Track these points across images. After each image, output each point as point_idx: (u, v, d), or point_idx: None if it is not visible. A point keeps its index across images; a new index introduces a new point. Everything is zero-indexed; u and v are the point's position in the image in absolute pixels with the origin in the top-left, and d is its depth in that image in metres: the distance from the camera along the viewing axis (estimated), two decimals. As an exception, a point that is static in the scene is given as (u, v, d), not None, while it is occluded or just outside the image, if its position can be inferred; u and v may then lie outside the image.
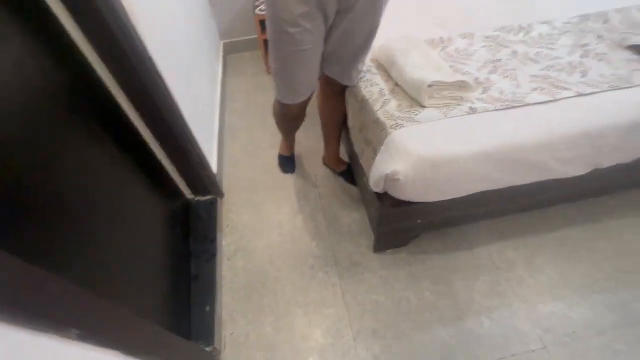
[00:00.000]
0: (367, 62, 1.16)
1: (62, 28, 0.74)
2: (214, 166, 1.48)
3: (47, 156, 0.63)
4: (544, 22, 1.33)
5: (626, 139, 0.96)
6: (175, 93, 1.06)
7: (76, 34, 0.77)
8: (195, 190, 1.38)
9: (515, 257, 1.24)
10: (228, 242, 1.37)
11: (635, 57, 1.13)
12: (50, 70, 0.70)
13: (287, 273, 1.26)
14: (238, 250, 1.34)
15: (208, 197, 1.41)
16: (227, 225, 1.42)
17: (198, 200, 1.40)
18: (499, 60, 1.16)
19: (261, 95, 2.01)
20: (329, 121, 1.33)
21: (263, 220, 1.43)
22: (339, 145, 1.47)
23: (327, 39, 0.94)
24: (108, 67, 0.85)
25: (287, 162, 1.56)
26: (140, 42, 0.87)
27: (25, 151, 0.58)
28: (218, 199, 1.44)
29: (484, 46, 1.24)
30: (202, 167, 1.31)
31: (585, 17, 1.34)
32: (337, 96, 1.21)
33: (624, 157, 1.04)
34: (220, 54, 2.22)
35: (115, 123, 0.93)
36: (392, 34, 1.25)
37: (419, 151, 0.85)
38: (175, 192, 1.31)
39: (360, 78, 1.11)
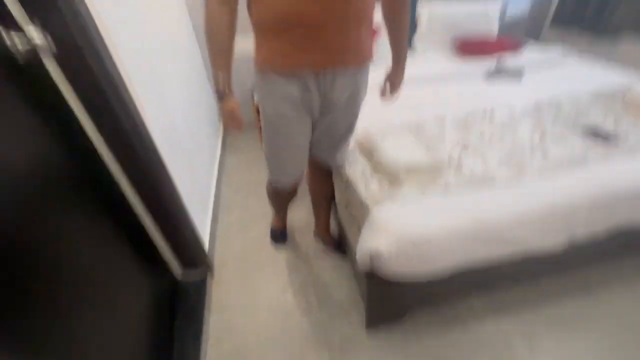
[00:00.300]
0: (352, 145, 1.28)
1: (74, 116, 0.84)
2: (206, 240, 1.51)
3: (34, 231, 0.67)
4: (505, 108, 1.51)
5: (593, 214, 1.03)
6: (173, 170, 1.15)
7: (86, 121, 0.87)
8: (185, 265, 1.39)
9: (513, 334, 1.20)
10: (215, 321, 1.32)
11: (588, 138, 1.27)
12: (59, 151, 0.78)
13: (276, 355, 1.20)
14: (225, 330, 1.29)
15: (197, 273, 1.41)
16: (216, 304, 1.38)
17: (187, 278, 1.39)
18: (469, 141, 1.30)
19: (256, 172, 2.13)
20: (318, 197, 1.41)
21: (253, 296, 1.40)
22: (329, 220, 1.53)
23: (313, 129, 1.07)
24: (110, 148, 0.93)
25: (279, 236, 1.60)
26: (144, 127, 0.98)
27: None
28: (208, 276, 1.43)
29: (455, 129, 1.39)
30: (195, 242, 1.34)
31: (540, 103, 1.53)
32: (325, 175, 1.31)
33: (598, 229, 1.10)
34: (220, 132, 2.41)
35: (109, 196, 0.99)
36: (373, 118, 1.42)
37: (399, 230, 0.91)
38: (164, 268, 1.32)
39: (345, 160, 1.21)
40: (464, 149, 1.25)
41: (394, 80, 1.11)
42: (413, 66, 2.01)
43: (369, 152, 1.21)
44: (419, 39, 2.35)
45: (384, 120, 1.44)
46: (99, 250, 0.89)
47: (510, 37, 2.41)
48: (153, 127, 1.03)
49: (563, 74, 1.83)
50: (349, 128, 1.11)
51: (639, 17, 1.94)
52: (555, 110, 1.47)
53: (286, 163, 1.09)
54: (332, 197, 1.43)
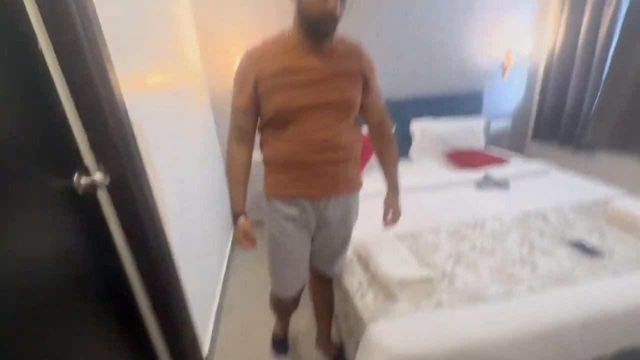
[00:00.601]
0: (350, 256, 1.38)
1: (111, 234, 0.99)
2: (206, 346, 1.49)
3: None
4: (494, 219, 1.63)
5: (589, 334, 1.03)
6: (183, 273, 1.24)
7: (119, 238, 1.01)
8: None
9: None
10: None
11: (575, 252, 1.34)
12: (89, 255, 0.90)
13: None
14: None
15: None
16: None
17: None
18: (462, 252, 1.38)
19: (263, 274, 2.18)
20: (320, 306, 1.45)
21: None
22: (330, 329, 1.52)
23: (312, 242, 1.19)
24: (134, 260, 1.05)
25: (280, 345, 1.57)
26: (166, 240, 1.11)
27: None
28: (203, 388, 1.37)
29: (448, 239, 1.49)
30: (194, 350, 1.33)
31: (527, 215, 1.65)
32: (326, 284, 1.38)
33: (601, 351, 1.08)
34: (231, 231, 2.56)
35: (118, 300, 1.05)
36: (370, 227, 1.54)
37: (393, 349, 0.93)
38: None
39: (343, 271, 1.30)
40: (457, 261, 1.32)
41: (393, 206, 1.23)
42: (409, 175, 2.27)
43: (365, 263, 1.30)
44: (414, 150, 2.66)
45: (380, 229, 1.57)
46: (94, 345, 0.92)
47: (497, 150, 2.70)
48: (172, 234, 1.18)
49: (547, 185, 2.00)
50: (344, 242, 1.23)
51: (610, 134, 2.20)
52: (542, 222, 1.58)
53: (287, 276, 1.18)
54: (334, 306, 1.45)
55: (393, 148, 1.20)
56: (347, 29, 2.41)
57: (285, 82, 0.95)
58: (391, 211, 1.24)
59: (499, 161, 2.37)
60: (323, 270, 1.28)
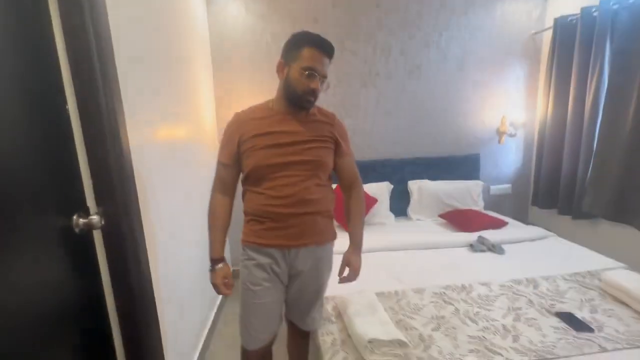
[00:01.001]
0: (329, 311, 1.37)
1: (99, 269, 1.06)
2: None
3: None
4: (482, 284, 1.61)
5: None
6: (165, 322, 1.26)
7: (105, 274, 1.08)
8: None
9: None
10: None
11: (561, 324, 1.29)
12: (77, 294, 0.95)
13: None
14: None
15: None
16: None
17: None
18: (443, 317, 1.35)
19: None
20: (295, 358, 1.41)
21: None
22: None
23: (286, 293, 1.22)
24: (114, 291, 1.10)
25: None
26: (148, 278, 1.17)
27: None
28: None
29: (432, 302, 1.47)
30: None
31: (517, 282, 1.62)
32: (302, 338, 1.37)
33: None
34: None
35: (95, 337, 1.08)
36: (353, 285, 1.54)
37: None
38: None
39: (318, 325, 1.29)
40: (436, 327, 1.29)
41: (351, 261, 1.22)
42: (404, 234, 2.29)
43: (342, 321, 1.29)
44: (412, 209, 2.71)
45: (364, 286, 1.57)
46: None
47: (496, 213, 2.70)
48: (159, 280, 1.23)
49: (542, 252, 1.97)
50: (317, 294, 1.25)
51: (607, 205, 2.19)
52: (532, 290, 1.54)
53: (254, 325, 1.18)
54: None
55: (360, 206, 1.26)
56: (348, 96, 2.69)
57: (263, 144, 1.09)
58: (347, 269, 1.23)
59: (497, 224, 2.36)
60: (297, 323, 1.29)
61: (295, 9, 2.47)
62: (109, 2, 1.00)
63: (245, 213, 1.19)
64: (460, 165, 2.82)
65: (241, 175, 1.18)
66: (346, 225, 1.28)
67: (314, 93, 1.06)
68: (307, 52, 1.03)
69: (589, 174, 2.31)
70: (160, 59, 1.46)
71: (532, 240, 2.16)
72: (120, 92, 1.06)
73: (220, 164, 1.17)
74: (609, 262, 1.79)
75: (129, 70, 1.13)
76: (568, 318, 1.32)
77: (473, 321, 1.32)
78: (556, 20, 2.47)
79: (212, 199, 1.19)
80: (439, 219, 2.58)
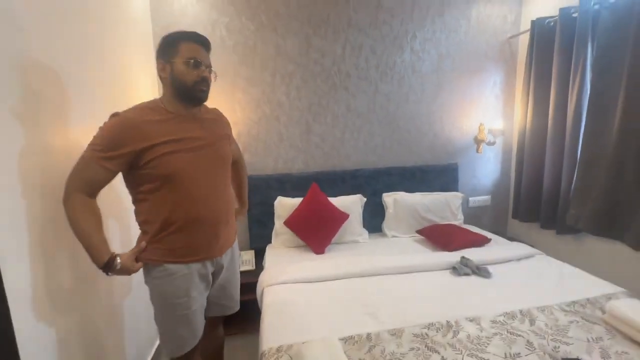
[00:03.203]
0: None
1: None
2: None
3: None
4: (471, 320, 1.33)
5: None
6: None
7: None
8: None
9: None
10: None
11: (572, 377, 1.03)
12: None
13: None
14: None
15: None
16: None
17: None
18: (427, 371, 1.06)
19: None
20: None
21: None
22: None
23: (211, 289, 1.26)
24: None
25: None
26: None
27: None
28: None
29: (412, 348, 1.17)
30: None
31: (510, 316, 1.36)
32: (218, 331, 1.46)
33: None
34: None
35: None
36: (315, 328, 1.23)
37: None
38: None
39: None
40: (419, 386, 0.99)
41: (241, 215, 1.57)
42: (380, 255, 2.00)
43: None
44: (386, 224, 2.44)
45: (330, 327, 1.26)
46: None
47: (476, 227, 2.49)
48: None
49: (532, 274, 1.73)
50: (238, 279, 1.40)
51: (591, 219, 2.01)
52: (529, 327, 1.29)
53: (183, 333, 1.16)
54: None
55: (244, 175, 1.55)
56: (316, 99, 2.40)
57: (178, 149, 1.05)
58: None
59: (479, 242, 2.13)
60: (226, 308, 1.36)
61: (254, 0, 2.17)
62: None
63: (162, 228, 1.07)
64: (438, 176, 2.60)
65: (142, 186, 1.06)
66: None
67: (205, 81, 1.07)
68: (184, 45, 1.04)
69: (573, 185, 2.14)
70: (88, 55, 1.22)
71: (519, 259, 1.93)
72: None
73: (100, 167, 0.99)
74: (607, 286, 1.58)
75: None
76: (577, 366, 1.07)
77: (464, 377, 1.04)
78: (533, 23, 2.33)
79: (76, 201, 0.98)
80: (417, 235, 2.32)
